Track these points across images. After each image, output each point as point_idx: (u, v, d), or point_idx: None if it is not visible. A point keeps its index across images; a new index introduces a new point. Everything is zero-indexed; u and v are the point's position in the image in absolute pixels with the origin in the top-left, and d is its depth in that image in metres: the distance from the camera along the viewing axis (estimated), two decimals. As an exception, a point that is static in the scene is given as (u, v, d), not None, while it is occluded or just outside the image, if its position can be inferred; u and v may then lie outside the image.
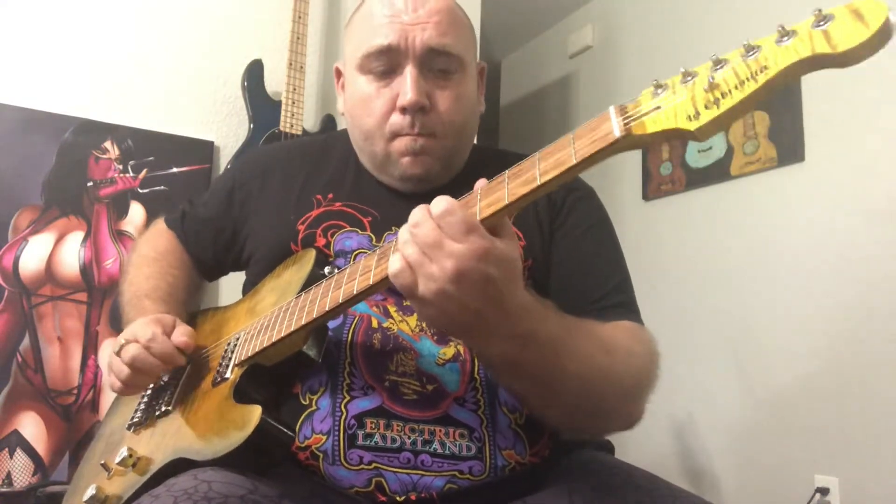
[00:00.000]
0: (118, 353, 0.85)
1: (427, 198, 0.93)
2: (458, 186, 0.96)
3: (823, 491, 1.93)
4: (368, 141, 0.92)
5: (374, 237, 0.89)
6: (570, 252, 0.90)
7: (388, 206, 0.92)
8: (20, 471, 1.69)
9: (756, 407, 2.20)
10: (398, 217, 0.90)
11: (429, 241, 0.59)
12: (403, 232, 0.62)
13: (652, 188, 2.72)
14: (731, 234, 2.37)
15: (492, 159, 1.03)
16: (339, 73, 1.00)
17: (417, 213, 0.62)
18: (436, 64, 0.88)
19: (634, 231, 2.69)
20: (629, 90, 2.90)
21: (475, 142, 1.10)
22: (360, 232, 0.90)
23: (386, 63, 0.88)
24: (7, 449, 1.69)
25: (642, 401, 0.78)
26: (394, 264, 0.61)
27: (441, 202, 0.61)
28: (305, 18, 2.06)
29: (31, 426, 1.72)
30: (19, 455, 1.70)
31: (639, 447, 2.36)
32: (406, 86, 0.86)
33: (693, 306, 2.44)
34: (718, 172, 2.42)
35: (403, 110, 0.87)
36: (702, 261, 2.47)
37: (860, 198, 1.99)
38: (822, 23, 0.48)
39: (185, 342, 0.86)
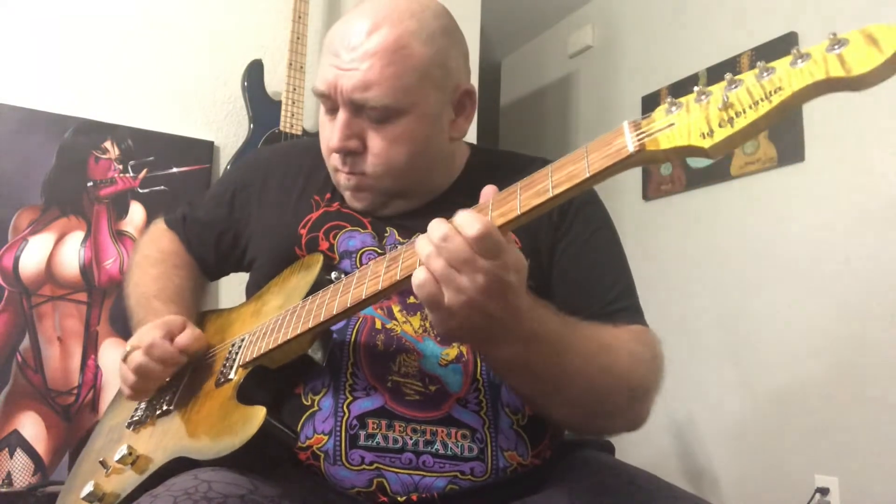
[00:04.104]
0: (125, 360, 0.86)
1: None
2: (456, 192, 0.95)
3: (823, 491, 1.93)
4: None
5: (375, 234, 0.90)
6: (576, 259, 0.89)
7: None
8: (20, 471, 1.68)
9: (756, 407, 2.20)
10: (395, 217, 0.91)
11: (461, 258, 0.60)
12: (425, 244, 0.62)
13: (652, 188, 2.72)
14: (731, 234, 2.37)
15: (492, 162, 1.01)
16: None
17: (443, 227, 0.61)
18: (367, 111, 0.84)
19: (634, 231, 2.69)
20: (629, 90, 2.91)
21: (475, 142, 1.10)
22: (361, 231, 0.90)
23: (327, 103, 0.87)
24: (7, 449, 1.69)
25: (647, 402, 0.79)
26: (418, 276, 0.62)
27: (474, 223, 0.60)
28: (305, 18, 2.06)
29: (31, 426, 1.72)
30: (19, 455, 1.70)
31: (639, 447, 2.36)
32: (334, 130, 0.85)
33: (693, 306, 2.44)
34: (718, 172, 2.42)
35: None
36: (702, 261, 2.47)
37: (860, 198, 1.98)
38: (836, 47, 0.48)
39: (187, 344, 0.86)
